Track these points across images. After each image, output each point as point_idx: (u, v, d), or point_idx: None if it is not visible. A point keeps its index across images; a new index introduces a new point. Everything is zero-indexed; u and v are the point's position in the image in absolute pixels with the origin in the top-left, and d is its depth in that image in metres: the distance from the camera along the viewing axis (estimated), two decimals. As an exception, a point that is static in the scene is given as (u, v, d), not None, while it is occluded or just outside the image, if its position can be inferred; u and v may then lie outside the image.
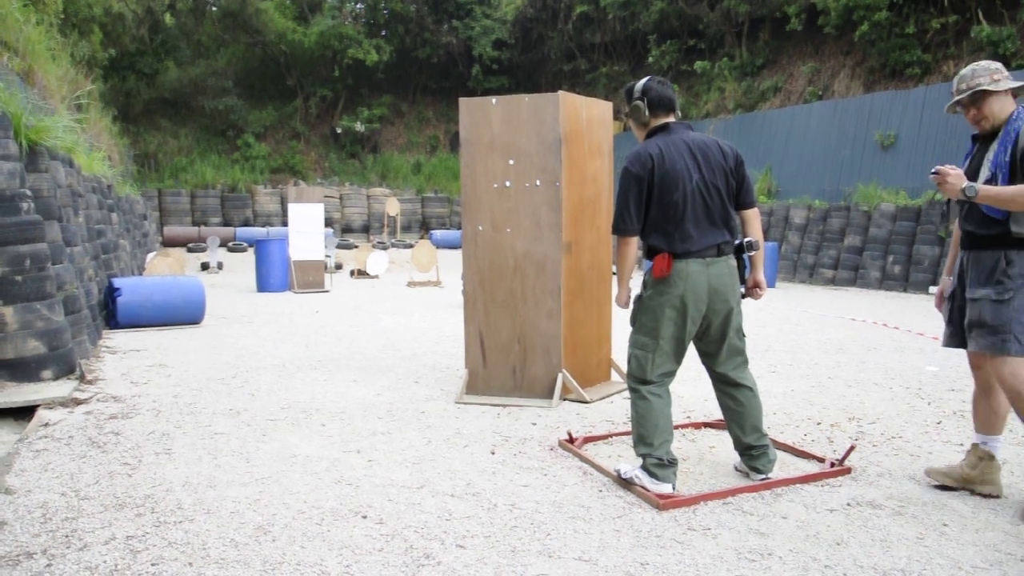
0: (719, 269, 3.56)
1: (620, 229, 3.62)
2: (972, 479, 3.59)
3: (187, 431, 4.59)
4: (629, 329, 3.74)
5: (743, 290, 3.72)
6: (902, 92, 16.73)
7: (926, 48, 17.67)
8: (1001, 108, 3.41)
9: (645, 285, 3.64)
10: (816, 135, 18.15)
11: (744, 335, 3.75)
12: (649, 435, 3.54)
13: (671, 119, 3.68)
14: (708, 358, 3.76)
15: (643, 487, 3.50)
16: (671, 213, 3.52)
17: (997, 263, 3.37)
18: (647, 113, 3.66)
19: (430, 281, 14.96)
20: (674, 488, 3.51)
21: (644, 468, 3.54)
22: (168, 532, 3.10)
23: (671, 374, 3.65)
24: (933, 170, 3.39)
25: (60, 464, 3.93)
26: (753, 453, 3.72)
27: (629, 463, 3.75)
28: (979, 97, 3.44)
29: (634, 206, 3.56)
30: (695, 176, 3.53)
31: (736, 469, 3.89)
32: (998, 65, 3.46)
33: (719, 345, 3.68)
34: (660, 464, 3.50)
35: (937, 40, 17.54)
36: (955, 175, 3.31)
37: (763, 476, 3.70)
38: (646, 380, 3.60)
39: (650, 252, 3.61)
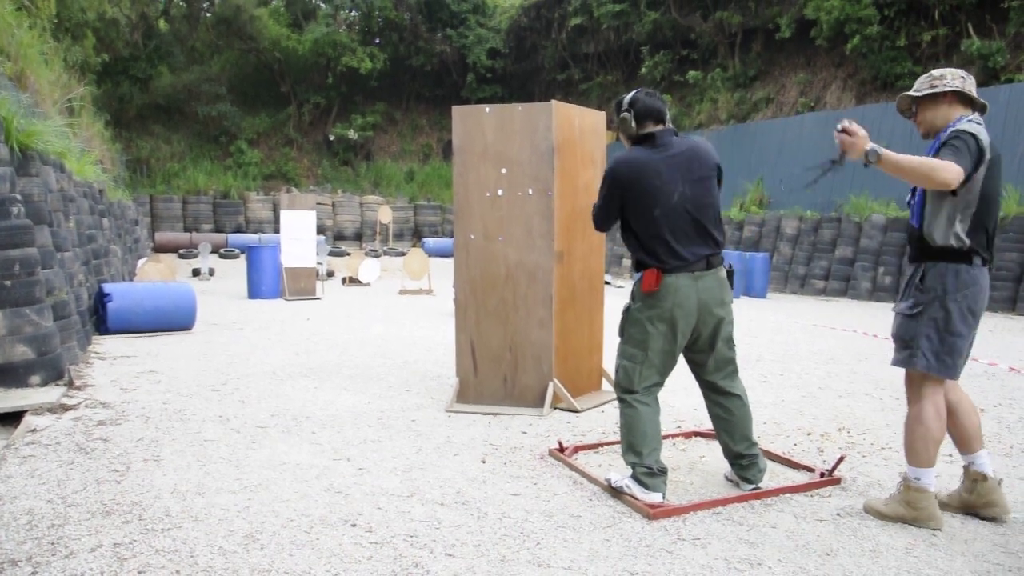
0: (708, 283, 3.55)
1: (596, 224, 3.87)
2: (973, 504, 3.44)
3: (176, 438, 4.56)
4: (618, 339, 3.74)
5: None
6: (893, 104, 16.80)
7: (917, 61, 17.81)
8: (935, 115, 3.36)
9: (633, 297, 3.64)
10: (808, 146, 18.23)
11: (734, 345, 3.75)
12: (638, 444, 3.53)
13: (659, 128, 3.66)
14: (698, 367, 3.76)
15: (633, 496, 3.50)
16: (653, 230, 3.53)
17: (913, 276, 3.36)
18: (634, 125, 3.66)
19: (422, 289, 14.95)
20: (664, 497, 3.50)
21: (634, 477, 3.54)
22: (156, 540, 3.07)
23: (659, 384, 3.66)
24: (839, 126, 3.27)
25: (47, 470, 3.90)
26: (743, 463, 3.72)
27: (619, 472, 3.74)
28: (912, 102, 3.41)
29: (605, 207, 3.73)
30: (679, 189, 3.53)
31: (726, 479, 3.89)
32: (943, 72, 3.36)
33: (708, 355, 3.68)
34: (650, 473, 3.50)
35: (928, 53, 17.68)
36: (863, 135, 3.21)
37: (753, 486, 3.70)
38: (633, 390, 3.60)
39: (638, 265, 3.62)
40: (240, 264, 18.21)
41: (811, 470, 4.00)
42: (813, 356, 7.87)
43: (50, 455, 4.16)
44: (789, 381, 6.54)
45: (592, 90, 26.38)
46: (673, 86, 23.70)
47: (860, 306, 13.88)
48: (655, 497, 3.47)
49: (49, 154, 7.42)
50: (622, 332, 3.70)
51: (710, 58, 23.33)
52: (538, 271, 5.31)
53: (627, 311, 3.67)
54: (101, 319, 8.64)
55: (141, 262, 14.62)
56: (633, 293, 3.64)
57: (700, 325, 3.57)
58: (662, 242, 3.52)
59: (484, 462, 4.18)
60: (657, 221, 3.51)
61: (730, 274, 3.68)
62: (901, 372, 3.49)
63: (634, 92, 3.73)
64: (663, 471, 3.54)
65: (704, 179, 3.59)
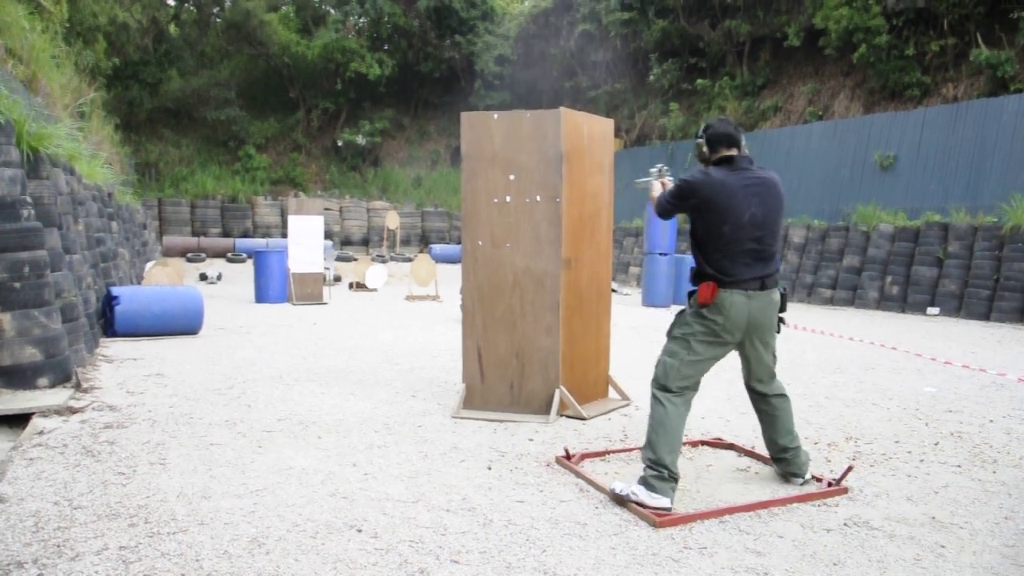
0: (761, 302, 3.73)
1: (659, 213, 4.04)
2: None
3: (182, 441, 4.57)
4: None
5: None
6: (901, 113, 16.81)
7: (925, 70, 17.78)
8: None
9: (689, 304, 3.83)
10: (816, 155, 18.21)
11: (776, 358, 3.95)
12: (657, 440, 3.62)
13: (734, 152, 3.83)
14: (741, 371, 3.98)
15: (639, 502, 3.50)
16: (719, 243, 3.70)
17: None
18: (706, 149, 3.87)
19: (429, 295, 14.96)
20: (671, 503, 3.50)
21: (642, 479, 3.57)
22: (161, 543, 3.08)
23: (694, 387, 3.79)
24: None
25: (54, 473, 3.91)
26: (787, 456, 3.92)
27: (625, 481, 3.75)
28: None
29: (671, 210, 3.94)
30: (750, 210, 3.68)
31: (777, 475, 4.08)
32: None
33: (751, 365, 3.89)
34: (660, 476, 3.53)
35: (936, 63, 17.65)
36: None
37: (801, 480, 3.91)
38: (667, 387, 3.72)
39: (697, 277, 3.79)
40: (247, 268, 18.26)
41: (818, 480, 3.99)
42: (820, 365, 7.84)
43: (57, 457, 4.17)
44: (796, 390, 6.51)
45: (600, 97, 26.35)
46: (681, 94, 23.70)
47: (867, 315, 13.83)
48: (663, 501, 3.47)
49: (59, 157, 7.46)
50: (670, 332, 3.88)
51: (718, 66, 23.32)
52: (545, 278, 5.30)
53: (681, 313, 3.86)
54: (109, 322, 8.67)
55: (149, 265, 14.67)
56: (690, 303, 3.83)
57: (747, 339, 3.77)
58: (726, 256, 3.70)
59: (490, 469, 4.17)
60: (725, 237, 3.69)
61: (783, 296, 3.86)
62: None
63: (709, 120, 4.00)
64: (674, 477, 3.56)
65: (774, 209, 3.77)
